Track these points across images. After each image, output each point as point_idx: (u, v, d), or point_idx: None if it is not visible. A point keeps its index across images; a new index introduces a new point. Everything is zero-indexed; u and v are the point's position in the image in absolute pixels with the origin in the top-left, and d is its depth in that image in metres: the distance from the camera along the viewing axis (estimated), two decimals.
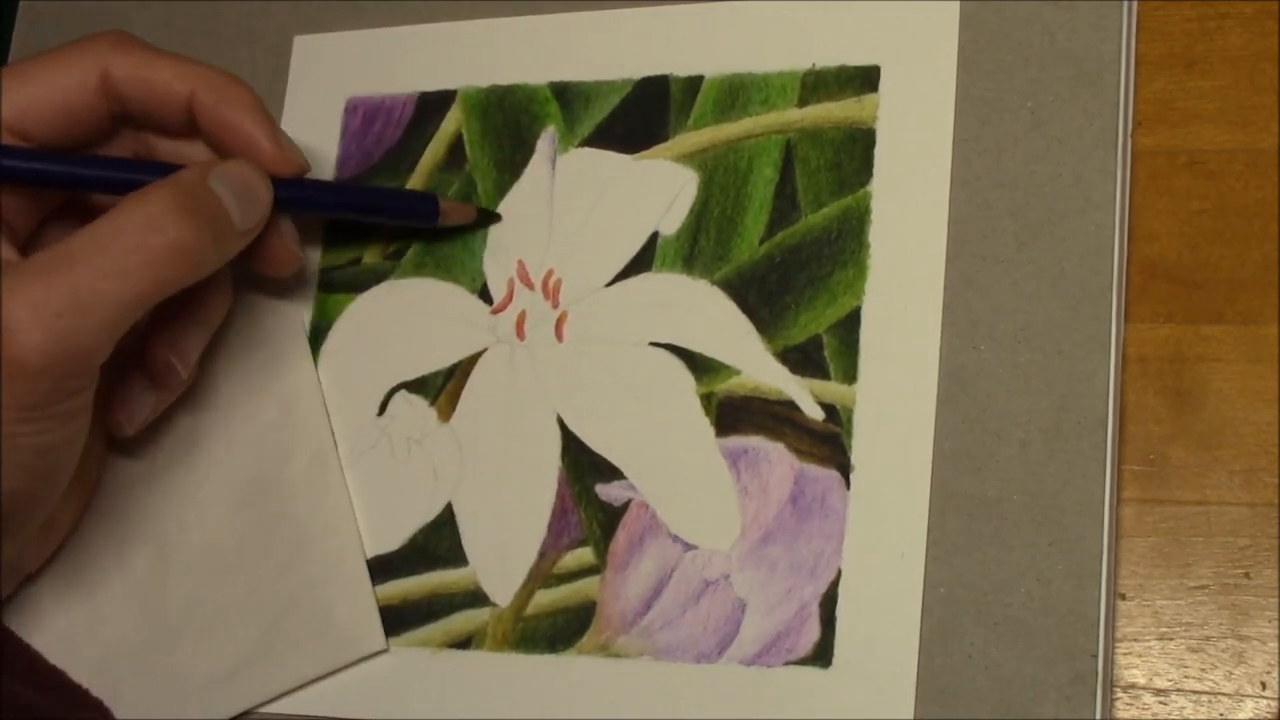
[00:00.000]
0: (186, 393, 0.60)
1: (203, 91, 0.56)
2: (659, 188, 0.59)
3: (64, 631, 0.58)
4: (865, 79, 0.58)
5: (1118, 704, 0.52)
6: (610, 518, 0.56)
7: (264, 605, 0.58)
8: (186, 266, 0.53)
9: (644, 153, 0.60)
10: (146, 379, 0.57)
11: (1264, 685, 0.51)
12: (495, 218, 0.60)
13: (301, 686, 0.57)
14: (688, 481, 0.56)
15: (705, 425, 0.56)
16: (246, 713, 0.57)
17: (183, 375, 0.57)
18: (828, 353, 0.56)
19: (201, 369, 0.60)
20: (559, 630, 0.56)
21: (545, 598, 0.56)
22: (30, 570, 0.58)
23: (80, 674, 0.58)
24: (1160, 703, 0.52)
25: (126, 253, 0.52)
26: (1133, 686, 0.52)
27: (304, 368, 0.61)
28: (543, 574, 0.57)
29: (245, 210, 0.55)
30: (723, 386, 0.56)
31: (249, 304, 0.61)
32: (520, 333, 0.59)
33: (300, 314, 0.61)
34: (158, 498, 0.59)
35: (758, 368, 0.56)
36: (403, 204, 0.60)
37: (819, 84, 0.58)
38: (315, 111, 0.64)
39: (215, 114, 0.57)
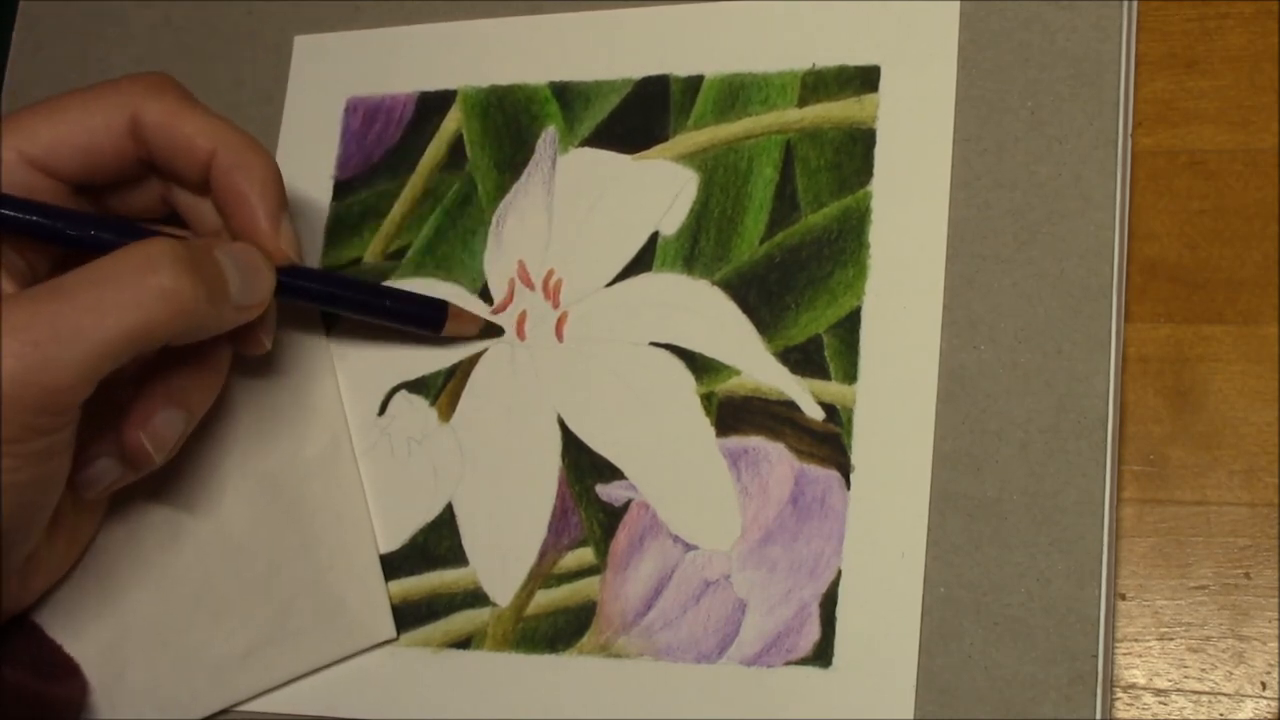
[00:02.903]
0: None
1: (223, 153, 0.56)
2: (659, 188, 0.59)
3: (75, 611, 0.58)
4: (865, 79, 0.58)
5: (1118, 704, 0.52)
6: (610, 518, 0.56)
7: (275, 590, 0.58)
8: (175, 314, 0.52)
9: (644, 153, 0.60)
10: (108, 449, 0.55)
11: (1264, 685, 0.51)
12: (499, 331, 0.60)
13: (311, 673, 0.57)
14: (688, 482, 0.56)
15: (705, 425, 0.56)
16: (250, 710, 0.57)
17: (155, 460, 0.55)
18: (828, 353, 0.56)
19: None
20: (559, 630, 0.56)
21: (545, 598, 0.56)
22: (7, 614, 0.56)
23: (90, 653, 0.58)
24: (1160, 703, 0.52)
25: (116, 289, 0.51)
26: (1133, 686, 0.52)
27: (320, 354, 0.61)
28: (543, 574, 0.57)
29: (245, 286, 0.54)
30: (723, 386, 0.56)
31: None
32: (521, 333, 0.59)
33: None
34: (170, 481, 0.59)
35: (758, 368, 0.56)
36: (408, 309, 0.59)
37: (819, 84, 0.58)
38: (315, 111, 0.64)
39: (228, 179, 0.56)
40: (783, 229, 0.57)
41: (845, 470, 0.54)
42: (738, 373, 0.56)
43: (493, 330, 0.60)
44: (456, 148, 0.62)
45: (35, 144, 0.55)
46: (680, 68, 0.60)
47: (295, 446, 0.59)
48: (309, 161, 0.63)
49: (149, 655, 0.58)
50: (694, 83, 0.60)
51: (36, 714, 0.55)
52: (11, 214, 0.54)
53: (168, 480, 0.59)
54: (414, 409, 0.60)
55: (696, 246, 0.58)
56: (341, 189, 0.63)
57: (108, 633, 0.58)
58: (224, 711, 0.58)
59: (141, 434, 0.54)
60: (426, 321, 0.59)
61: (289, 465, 0.59)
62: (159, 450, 0.55)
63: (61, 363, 0.50)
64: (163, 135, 0.56)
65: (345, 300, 0.59)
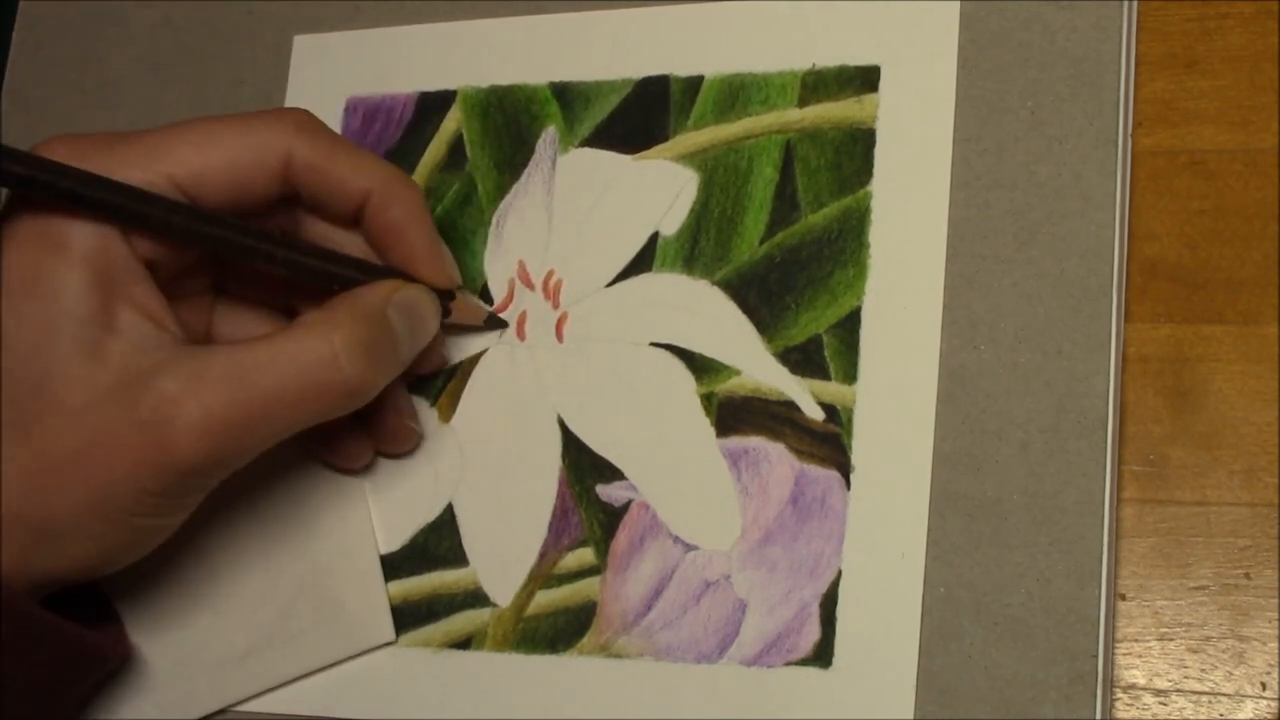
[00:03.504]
0: None
1: (379, 193, 0.56)
2: (659, 188, 0.59)
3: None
4: (865, 79, 0.58)
5: (1118, 704, 0.52)
6: (611, 518, 0.56)
7: (275, 592, 0.58)
8: (352, 402, 0.54)
9: (644, 153, 0.60)
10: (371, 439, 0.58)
11: (1264, 685, 0.51)
12: (502, 324, 0.60)
13: (310, 674, 0.57)
14: (688, 482, 0.56)
15: (705, 425, 0.56)
16: (250, 711, 0.57)
17: (420, 431, 0.58)
18: (828, 353, 0.56)
19: None
20: (559, 630, 0.56)
21: (546, 598, 0.56)
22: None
23: None
24: (1160, 703, 0.52)
25: (302, 382, 0.52)
26: (1133, 686, 0.52)
27: None
28: (543, 574, 0.57)
29: (414, 340, 0.56)
30: (723, 387, 0.56)
31: None
32: (521, 333, 0.59)
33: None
34: None
35: (758, 368, 0.56)
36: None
37: (819, 84, 0.58)
38: (315, 111, 0.64)
39: (385, 216, 0.56)
40: (783, 229, 0.57)
41: (845, 470, 0.54)
42: (738, 373, 0.56)
43: (496, 323, 0.60)
44: (456, 148, 0.62)
45: (185, 170, 0.54)
46: (680, 68, 0.60)
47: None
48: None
49: (148, 654, 0.58)
50: (694, 83, 0.60)
51: (72, 658, 0.55)
52: (199, 227, 0.54)
53: None
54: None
55: (696, 246, 0.58)
56: None
57: None
58: (223, 711, 0.58)
59: (400, 418, 0.58)
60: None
61: (290, 467, 0.59)
62: (417, 420, 0.59)
63: (243, 445, 0.52)
64: (316, 176, 0.56)
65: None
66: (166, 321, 0.53)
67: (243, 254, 0.54)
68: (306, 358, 0.52)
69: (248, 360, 0.52)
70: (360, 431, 0.58)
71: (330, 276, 0.55)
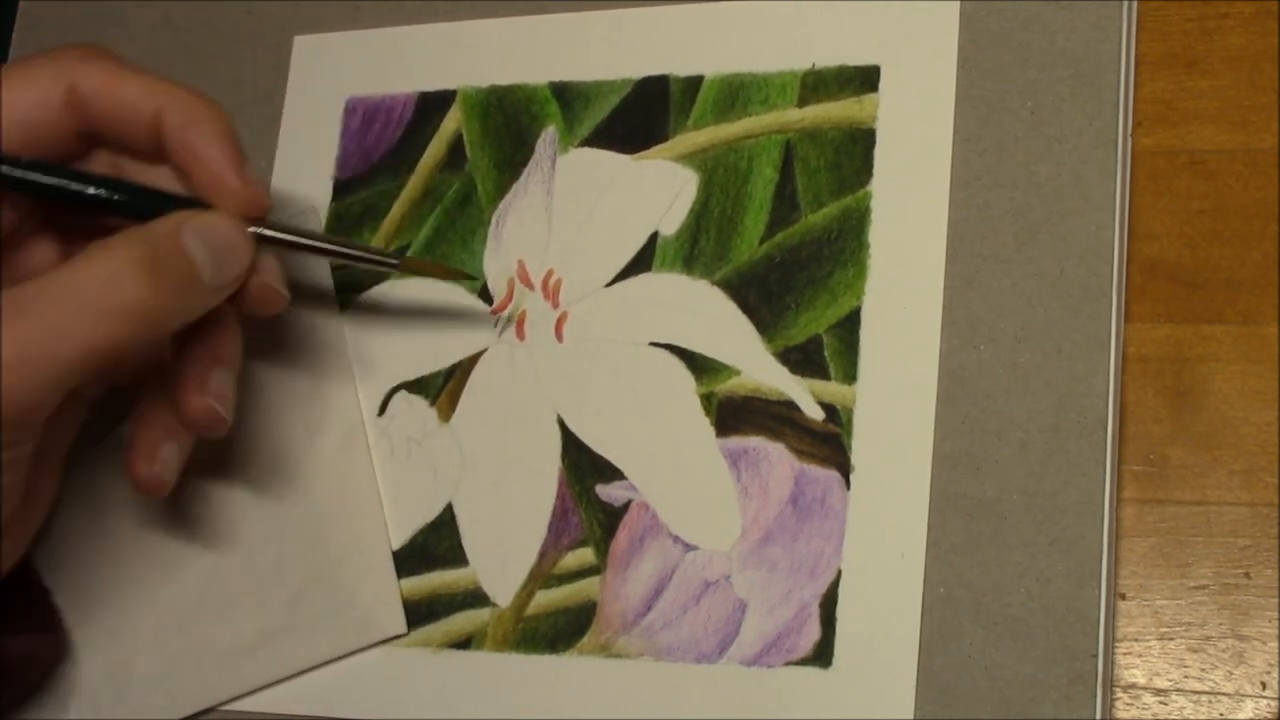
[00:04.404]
0: None
1: (170, 112, 0.54)
2: (659, 188, 0.59)
3: (84, 597, 0.59)
4: (865, 79, 0.58)
5: (1118, 704, 0.52)
6: (611, 518, 0.56)
7: (286, 582, 0.58)
8: (141, 326, 0.51)
9: (644, 153, 0.60)
10: (165, 432, 0.55)
11: (1264, 685, 0.51)
12: (469, 277, 0.59)
13: (320, 665, 0.57)
14: (688, 482, 0.56)
15: (705, 425, 0.56)
16: (250, 710, 0.57)
17: (226, 419, 0.55)
18: (828, 353, 0.56)
19: None
20: (559, 630, 0.56)
21: (546, 598, 0.56)
22: None
23: (99, 640, 0.58)
24: (1160, 703, 0.52)
25: (79, 308, 0.50)
26: (1133, 686, 0.52)
27: (337, 348, 0.61)
28: (543, 574, 0.57)
29: (219, 268, 0.53)
30: (723, 387, 0.56)
31: None
32: (520, 333, 0.59)
33: (333, 292, 0.61)
34: (183, 470, 0.59)
35: (758, 368, 0.56)
36: (368, 256, 0.58)
37: (819, 84, 0.58)
38: (315, 111, 0.64)
39: (182, 139, 0.54)
40: (783, 229, 0.57)
41: (845, 470, 0.54)
42: (738, 373, 0.56)
43: (458, 274, 0.59)
44: (456, 148, 0.62)
45: None
46: (680, 68, 0.60)
47: (310, 438, 0.60)
48: (309, 161, 0.63)
49: (158, 643, 0.58)
50: (694, 83, 0.60)
51: (13, 672, 0.54)
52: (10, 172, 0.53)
53: (182, 472, 0.59)
54: (414, 409, 0.60)
55: (696, 246, 0.58)
56: (341, 189, 0.63)
57: (117, 620, 0.58)
58: (226, 706, 0.58)
59: (207, 399, 0.54)
60: (386, 261, 0.58)
61: (303, 457, 0.59)
62: (227, 408, 0.55)
63: (29, 386, 0.49)
64: (103, 102, 0.54)
65: (316, 248, 0.57)
66: None
67: (50, 195, 0.53)
68: (83, 283, 0.50)
69: (24, 294, 0.50)
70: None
71: (121, 206, 0.53)
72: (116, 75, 0.54)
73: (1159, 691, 0.52)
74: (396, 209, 0.62)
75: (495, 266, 0.60)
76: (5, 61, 0.69)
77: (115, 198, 0.54)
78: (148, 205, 0.54)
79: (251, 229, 0.55)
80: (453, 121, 0.62)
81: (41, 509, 0.57)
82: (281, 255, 0.57)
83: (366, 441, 0.60)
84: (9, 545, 0.56)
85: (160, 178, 0.56)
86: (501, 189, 0.61)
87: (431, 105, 0.63)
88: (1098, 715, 0.50)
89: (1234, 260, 0.55)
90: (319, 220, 0.62)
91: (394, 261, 0.58)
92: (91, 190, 0.54)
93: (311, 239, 0.57)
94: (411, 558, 0.58)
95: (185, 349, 0.54)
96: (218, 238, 0.53)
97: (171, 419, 0.55)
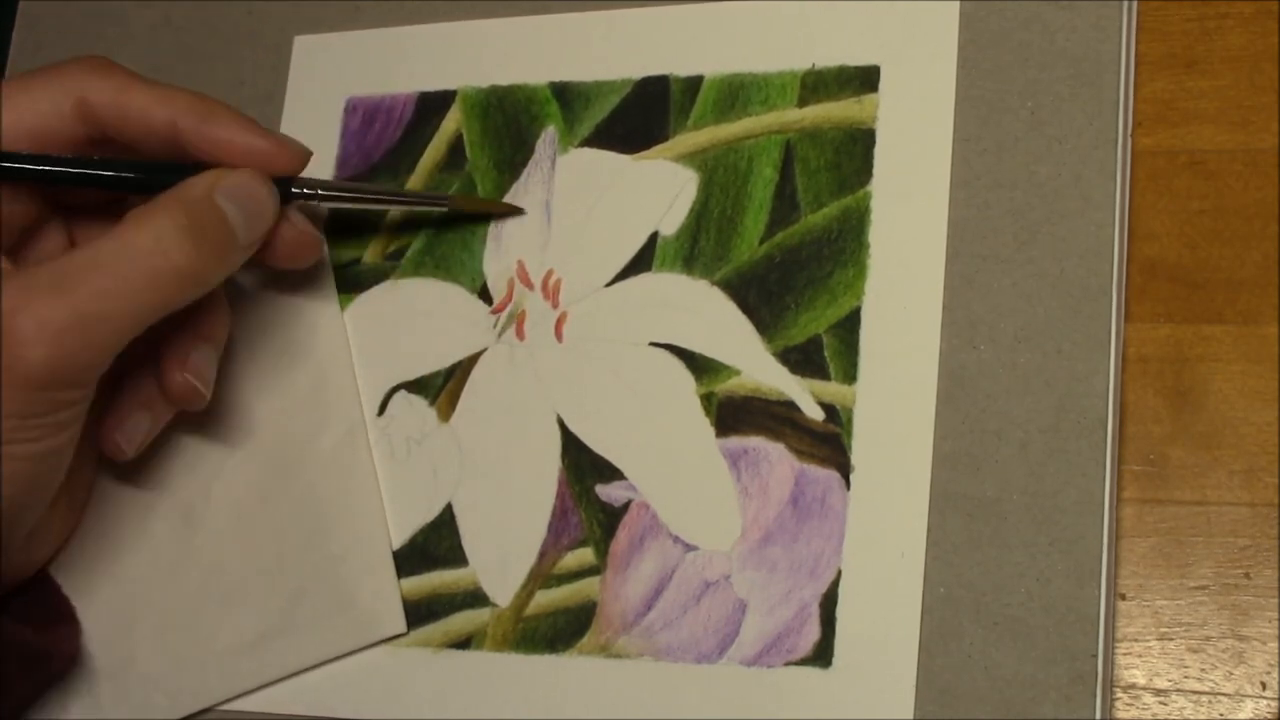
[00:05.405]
0: (221, 363, 0.59)
1: (184, 116, 0.56)
2: (659, 188, 0.59)
3: (84, 593, 0.59)
4: (865, 79, 0.58)
5: (1118, 704, 0.52)
6: (610, 518, 0.56)
7: (286, 581, 0.58)
8: (189, 287, 0.54)
9: (644, 153, 0.60)
10: (139, 401, 0.57)
11: (1264, 685, 0.51)
12: (518, 210, 0.60)
13: (319, 665, 0.57)
14: (688, 482, 0.56)
15: (705, 425, 0.56)
16: (250, 710, 0.57)
17: (205, 394, 0.57)
18: (828, 353, 0.56)
19: (235, 342, 0.60)
20: (559, 630, 0.56)
21: (545, 598, 0.56)
22: (9, 585, 0.57)
23: (100, 638, 0.58)
24: (1160, 703, 0.52)
25: (131, 274, 0.52)
26: (1133, 686, 0.52)
27: (338, 344, 0.61)
28: (543, 574, 0.57)
29: (250, 224, 0.56)
30: (723, 387, 0.56)
31: (283, 277, 0.61)
32: (520, 333, 0.59)
33: (334, 289, 0.61)
34: (184, 466, 0.59)
35: (758, 368, 0.56)
36: (414, 199, 0.61)
37: (819, 84, 0.58)
38: (315, 111, 0.64)
39: (201, 134, 0.56)
40: (782, 229, 0.57)
41: (845, 470, 0.54)
42: (737, 373, 0.56)
43: (511, 210, 0.60)
44: (456, 148, 0.62)
45: None
46: (680, 68, 0.60)
47: (310, 436, 0.60)
48: (309, 161, 0.63)
49: (159, 642, 0.58)
50: (694, 83, 0.60)
51: (32, 664, 0.55)
52: (18, 166, 0.55)
53: (181, 467, 0.59)
54: (413, 409, 0.60)
55: (696, 246, 0.58)
56: None
57: (118, 618, 0.58)
58: (226, 706, 0.58)
59: (185, 374, 0.56)
60: (436, 201, 0.61)
61: (303, 455, 0.59)
62: (205, 385, 0.57)
63: (88, 346, 0.52)
64: (114, 113, 0.56)
65: (355, 195, 0.60)
66: None
67: (70, 181, 0.55)
68: (130, 250, 0.53)
69: (73, 264, 0.52)
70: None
71: (155, 184, 0.56)
72: (125, 86, 0.56)
73: (1159, 691, 0.52)
74: (396, 209, 0.62)
75: (495, 266, 0.60)
76: (5, 61, 0.69)
77: (131, 176, 0.56)
78: (164, 178, 0.56)
79: (295, 189, 0.58)
80: (453, 121, 0.62)
81: (75, 514, 0.59)
82: (302, 214, 0.59)
83: (367, 441, 0.60)
84: (57, 523, 0.58)
85: None
86: (501, 189, 0.61)
87: (432, 105, 0.63)
88: (1098, 715, 0.50)
89: (1234, 260, 0.55)
90: (320, 218, 0.62)
91: (443, 204, 0.60)
92: (109, 173, 0.56)
93: (357, 191, 0.60)
94: (411, 558, 0.58)
95: (172, 321, 0.56)
96: (247, 195, 0.56)
97: (151, 390, 0.57)
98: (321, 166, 0.63)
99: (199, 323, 0.57)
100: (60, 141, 0.56)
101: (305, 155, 0.58)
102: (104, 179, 0.56)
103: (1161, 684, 0.52)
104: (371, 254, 0.62)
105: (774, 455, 0.55)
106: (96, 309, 0.52)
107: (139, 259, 0.53)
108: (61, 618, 0.58)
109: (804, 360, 0.56)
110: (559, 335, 0.59)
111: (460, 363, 0.60)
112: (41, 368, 0.51)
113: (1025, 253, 0.55)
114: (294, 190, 0.58)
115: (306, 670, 0.57)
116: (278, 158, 0.57)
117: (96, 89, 0.56)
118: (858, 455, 0.54)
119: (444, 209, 0.60)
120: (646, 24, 0.61)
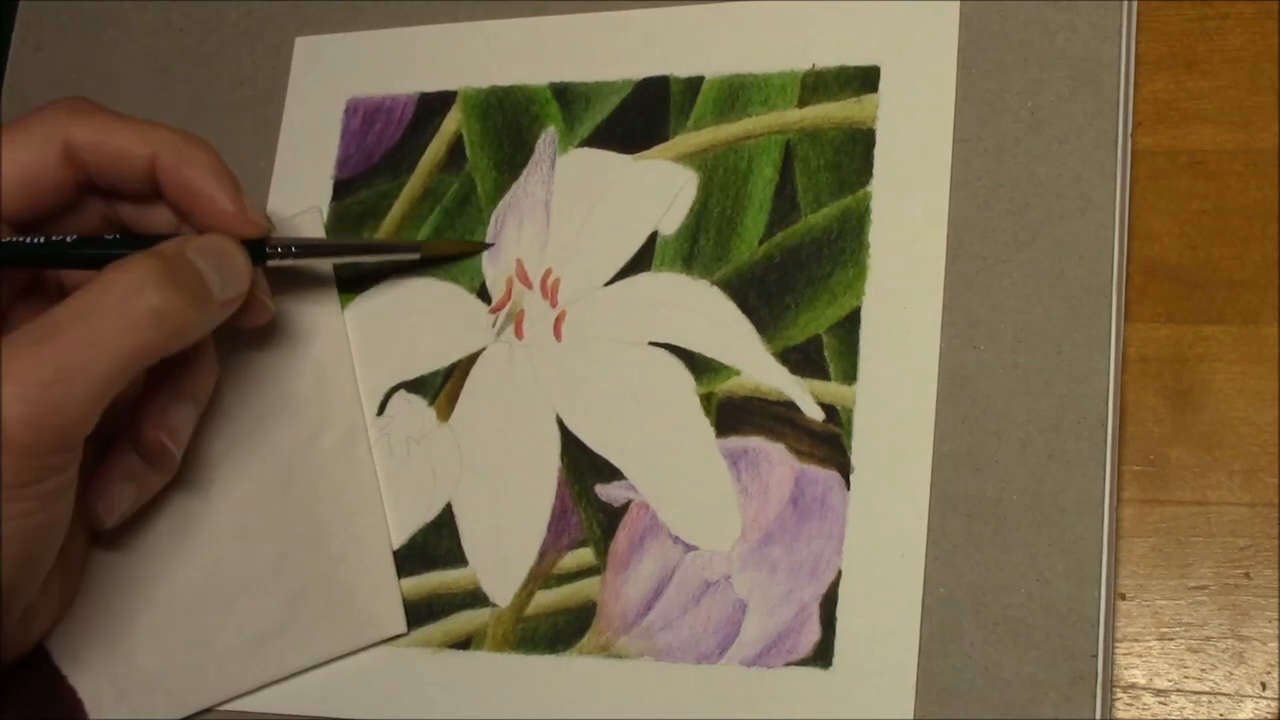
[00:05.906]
0: (221, 365, 0.59)
1: (164, 154, 0.56)
2: (659, 188, 0.59)
3: (84, 596, 0.59)
4: (865, 79, 0.58)
5: (1118, 704, 0.52)
6: (610, 518, 0.56)
7: (286, 581, 0.58)
8: (168, 331, 0.53)
9: (644, 153, 0.60)
10: (125, 471, 0.57)
11: (1264, 685, 0.51)
12: (485, 246, 0.60)
13: (319, 665, 0.57)
14: (688, 482, 0.56)
15: (705, 425, 0.56)
16: (250, 710, 0.57)
17: (176, 455, 0.57)
18: (828, 353, 0.56)
19: (235, 344, 0.60)
20: (559, 631, 0.56)
21: (545, 598, 0.56)
22: (7, 663, 0.57)
23: (100, 639, 0.58)
24: (1160, 703, 0.52)
25: (108, 319, 0.52)
26: (1133, 686, 0.52)
27: (338, 344, 0.61)
28: (543, 574, 0.57)
29: (225, 282, 0.55)
30: (723, 387, 0.56)
31: (284, 281, 0.61)
32: (519, 332, 0.59)
33: (335, 291, 0.61)
34: (185, 469, 0.59)
35: (758, 368, 0.56)
36: (384, 244, 0.61)
37: (819, 84, 0.58)
38: (315, 112, 0.64)
39: (177, 176, 0.56)
40: (782, 229, 0.57)
41: (845, 470, 0.54)
42: (737, 373, 0.56)
43: (479, 247, 0.60)
44: (456, 148, 0.62)
45: None
46: (680, 68, 0.60)
47: (311, 436, 0.60)
48: (309, 161, 0.63)
49: (159, 642, 0.58)
50: (694, 83, 0.60)
51: None
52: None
53: (182, 468, 0.59)
54: (413, 409, 0.60)
55: (696, 246, 0.58)
56: (341, 189, 0.63)
57: (118, 619, 0.58)
58: (226, 706, 0.58)
59: (159, 433, 0.56)
60: (405, 249, 0.61)
61: (304, 456, 0.59)
62: (179, 445, 0.57)
63: (70, 400, 0.51)
64: (97, 153, 0.56)
65: (327, 250, 0.60)
66: None
67: (38, 262, 0.56)
68: (107, 297, 0.52)
69: (51, 319, 0.52)
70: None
71: (106, 260, 0.55)
72: (107, 125, 0.56)
73: (1159, 692, 0.52)
74: (396, 209, 0.62)
75: (494, 266, 0.60)
76: (5, 62, 0.69)
77: (106, 254, 0.56)
78: (137, 248, 0.56)
79: (268, 247, 0.58)
80: (453, 122, 0.62)
81: (72, 588, 0.59)
82: (264, 277, 0.59)
83: (368, 441, 0.60)
84: (54, 598, 0.57)
85: (158, 216, 0.58)
86: (501, 189, 0.61)
87: (432, 106, 0.63)
88: (1098, 715, 0.50)
89: (1234, 260, 0.55)
90: (321, 219, 0.62)
91: (413, 252, 0.60)
92: (82, 252, 0.56)
93: (325, 246, 0.60)
94: (411, 558, 0.58)
95: (157, 379, 0.56)
96: (217, 254, 0.56)
97: (136, 460, 0.57)
98: (321, 167, 0.63)
99: (181, 378, 0.57)
100: (49, 189, 0.56)
101: (265, 229, 0.58)
102: (95, 257, 0.56)
103: (1161, 684, 0.52)
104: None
105: (774, 455, 0.55)
106: (75, 360, 0.51)
107: (115, 304, 0.52)
108: (62, 704, 0.57)
109: (804, 360, 0.56)
110: (558, 335, 0.59)
111: (459, 362, 0.60)
112: (23, 428, 0.50)
113: (1025, 253, 0.55)
114: (267, 250, 0.58)
115: (306, 670, 0.57)
116: (240, 226, 0.57)
117: (79, 130, 0.56)
118: (858, 455, 0.54)
119: (415, 256, 0.60)
120: (646, 24, 0.61)
